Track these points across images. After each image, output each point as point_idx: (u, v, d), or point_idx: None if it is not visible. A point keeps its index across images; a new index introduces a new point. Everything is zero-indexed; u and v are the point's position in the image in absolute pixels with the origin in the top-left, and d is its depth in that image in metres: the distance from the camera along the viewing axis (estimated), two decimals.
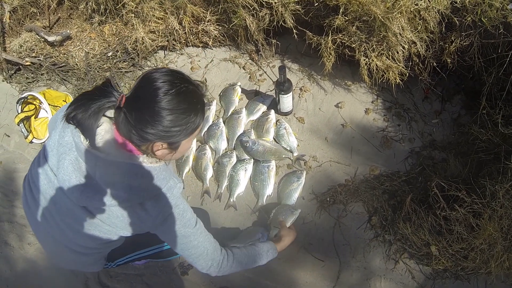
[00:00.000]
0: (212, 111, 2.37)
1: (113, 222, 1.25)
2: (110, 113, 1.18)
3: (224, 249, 1.46)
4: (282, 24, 2.17)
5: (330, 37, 2.07)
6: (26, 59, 2.67)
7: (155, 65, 2.63)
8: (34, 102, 2.45)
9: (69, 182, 1.17)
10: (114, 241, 1.36)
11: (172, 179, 1.25)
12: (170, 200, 1.24)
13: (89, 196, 1.17)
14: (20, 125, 2.40)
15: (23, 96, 2.44)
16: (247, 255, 1.53)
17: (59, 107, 2.41)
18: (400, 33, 1.91)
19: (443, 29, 1.93)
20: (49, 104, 2.37)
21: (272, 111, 2.29)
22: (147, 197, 1.20)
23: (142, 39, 2.48)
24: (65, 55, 2.69)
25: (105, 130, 1.16)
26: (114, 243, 1.41)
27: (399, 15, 1.85)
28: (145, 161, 1.18)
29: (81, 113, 1.07)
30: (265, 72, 2.52)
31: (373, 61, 2.02)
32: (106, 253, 1.55)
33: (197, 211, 1.40)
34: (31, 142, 2.41)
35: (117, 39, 2.63)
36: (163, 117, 1.07)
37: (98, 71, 2.63)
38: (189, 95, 1.11)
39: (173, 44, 2.60)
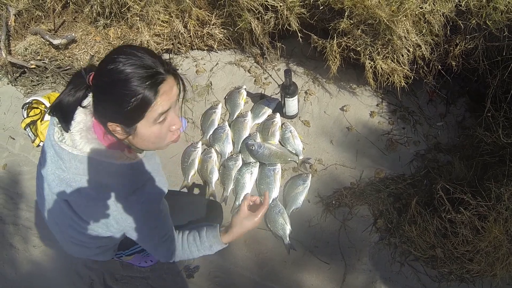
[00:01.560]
0: (218, 114, 2.38)
1: (90, 219, 1.22)
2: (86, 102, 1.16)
3: (178, 241, 1.41)
4: (287, 27, 2.18)
5: (335, 40, 2.08)
6: (31, 62, 2.68)
7: None
8: (39, 107, 2.46)
9: (48, 176, 1.17)
10: (106, 237, 1.32)
11: (148, 183, 1.21)
12: (140, 206, 1.18)
13: (63, 190, 1.15)
14: (26, 129, 2.41)
15: (27, 101, 2.45)
16: (190, 247, 1.42)
17: None
18: (405, 36, 1.92)
19: (448, 32, 1.94)
20: None
21: (278, 114, 2.29)
22: (117, 197, 1.15)
23: (147, 42, 2.49)
24: (70, 58, 2.70)
25: (76, 121, 1.13)
26: (110, 240, 1.37)
27: (404, 18, 1.86)
28: (116, 157, 1.14)
29: (62, 97, 1.10)
30: (270, 75, 2.53)
31: (378, 64, 2.03)
32: (110, 247, 1.50)
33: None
34: (38, 145, 2.42)
35: (122, 42, 2.64)
36: (101, 93, 1.05)
37: None
38: (116, 73, 1.01)
39: (178, 47, 2.61)
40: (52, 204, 1.28)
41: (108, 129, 1.09)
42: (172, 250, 1.36)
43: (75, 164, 1.11)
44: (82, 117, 1.13)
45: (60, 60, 2.71)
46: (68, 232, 1.32)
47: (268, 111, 2.36)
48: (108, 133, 1.11)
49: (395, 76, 2.07)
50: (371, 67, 2.07)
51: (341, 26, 2.00)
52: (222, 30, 2.47)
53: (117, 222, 1.20)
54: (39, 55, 2.71)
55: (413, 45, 1.96)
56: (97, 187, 1.13)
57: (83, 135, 1.12)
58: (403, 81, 2.08)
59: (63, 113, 1.12)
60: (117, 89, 1.01)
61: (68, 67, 2.69)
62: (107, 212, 1.18)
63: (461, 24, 1.88)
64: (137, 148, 1.19)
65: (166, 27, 2.47)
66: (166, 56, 2.69)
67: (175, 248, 1.37)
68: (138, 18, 2.46)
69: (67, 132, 1.12)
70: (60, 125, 1.14)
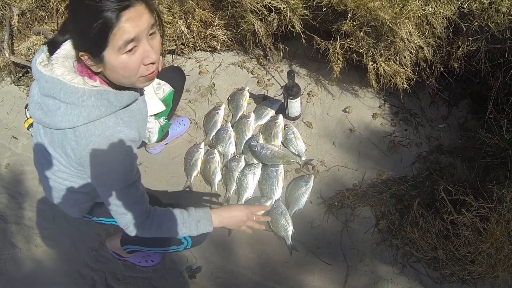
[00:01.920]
0: (221, 115, 2.39)
1: (53, 144, 1.22)
2: None
3: (149, 211, 1.34)
4: (290, 29, 2.18)
5: (338, 42, 2.09)
6: None
7: None
8: None
9: (32, 102, 1.21)
10: (71, 180, 1.35)
11: (112, 118, 1.17)
12: (95, 138, 1.14)
13: (36, 112, 1.17)
14: (29, 129, 2.41)
15: None
16: (170, 220, 1.37)
17: None
18: (407, 38, 1.92)
19: (450, 34, 1.94)
20: None
21: (280, 116, 2.30)
22: (75, 124, 1.13)
23: None
24: None
25: (60, 49, 1.18)
26: (75, 184, 1.37)
27: (407, 20, 1.86)
28: (81, 82, 1.13)
29: (56, 33, 1.21)
30: (273, 76, 2.53)
31: (380, 66, 2.04)
32: (79, 201, 1.49)
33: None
34: None
35: None
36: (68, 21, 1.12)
37: None
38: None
39: (181, 48, 2.61)
40: (35, 133, 1.31)
41: (81, 60, 1.13)
42: (135, 216, 1.29)
43: (42, 83, 1.14)
44: (68, 45, 1.18)
45: None
46: (43, 161, 1.34)
47: (271, 112, 2.36)
48: (81, 64, 1.16)
49: (398, 78, 2.07)
50: (373, 69, 2.08)
51: (344, 28, 2.00)
52: (225, 31, 2.47)
53: (73, 151, 1.18)
54: None
55: (415, 47, 1.96)
56: (57, 110, 1.13)
57: (60, 60, 1.16)
58: (405, 83, 2.08)
59: (53, 44, 1.19)
60: (81, 15, 1.04)
61: None
62: (65, 138, 1.17)
63: (464, 26, 1.88)
64: (113, 83, 1.19)
65: (169, 28, 2.48)
66: (168, 57, 2.70)
67: (141, 215, 1.31)
68: None
69: (51, 54, 1.18)
70: (47, 53, 1.19)
